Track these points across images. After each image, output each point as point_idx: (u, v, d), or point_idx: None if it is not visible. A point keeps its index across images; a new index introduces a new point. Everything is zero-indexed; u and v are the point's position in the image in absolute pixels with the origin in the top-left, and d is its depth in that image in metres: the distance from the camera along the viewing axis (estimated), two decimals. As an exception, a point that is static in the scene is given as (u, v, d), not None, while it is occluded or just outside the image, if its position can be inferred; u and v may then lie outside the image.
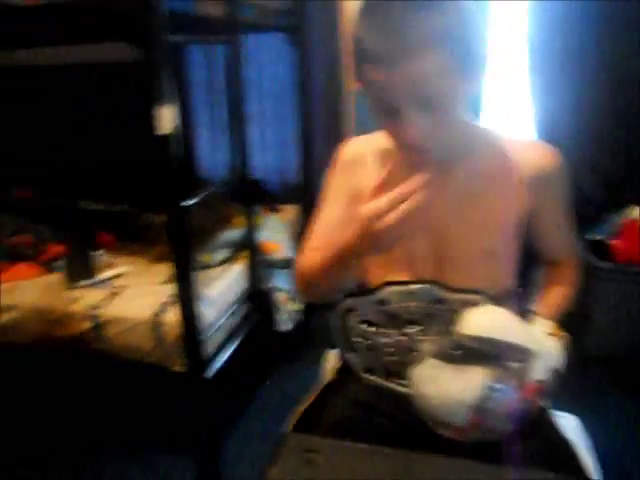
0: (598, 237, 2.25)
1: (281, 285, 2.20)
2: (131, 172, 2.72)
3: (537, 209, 0.97)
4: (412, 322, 0.98)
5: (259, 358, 2.19)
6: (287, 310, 2.21)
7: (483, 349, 0.84)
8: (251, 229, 2.04)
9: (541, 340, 0.90)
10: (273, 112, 2.80)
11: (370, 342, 1.02)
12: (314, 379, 1.25)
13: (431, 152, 0.86)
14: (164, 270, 1.94)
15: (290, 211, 2.67)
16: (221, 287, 1.92)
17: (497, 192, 0.94)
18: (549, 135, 2.39)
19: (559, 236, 1.07)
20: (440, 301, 0.96)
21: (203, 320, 1.69)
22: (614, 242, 2.15)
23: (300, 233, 2.61)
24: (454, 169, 0.95)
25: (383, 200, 0.78)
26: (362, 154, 1.03)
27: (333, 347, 1.21)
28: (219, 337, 1.85)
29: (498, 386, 0.84)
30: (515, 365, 0.86)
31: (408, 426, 0.98)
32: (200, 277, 1.74)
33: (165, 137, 1.41)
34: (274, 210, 2.57)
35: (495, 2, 2.36)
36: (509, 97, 2.52)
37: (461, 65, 0.79)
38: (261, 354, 2.21)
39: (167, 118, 1.40)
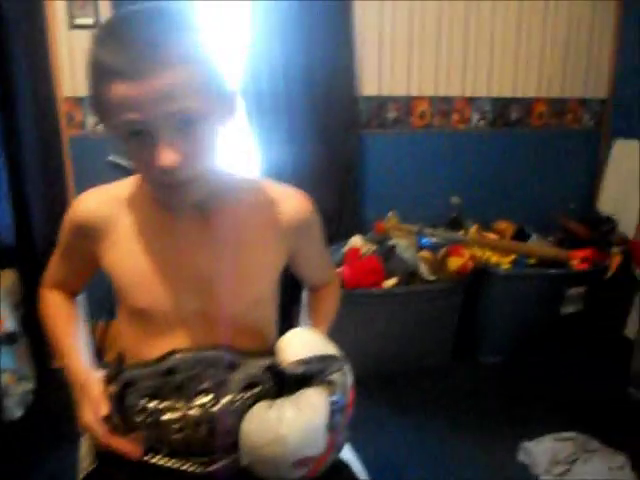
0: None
1: (5, 365, 1.86)
2: None
3: (298, 252, 1.01)
4: (201, 392, 0.89)
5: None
6: (15, 393, 1.87)
7: (309, 370, 0.86)
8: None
9: (335, 349, 0.94)
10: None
11: (153, 419, 0.89)
12: (63, 472, 1.06)
13: (187, 186, 0.80)
14: None
15: (6, 276, 2.29)
16: None
17: (259, 241, 0.93)
18: (273, 176, 2.56)
19: (321, 266, 1.15)
20: (233, 367, 0.90)
21: None
22: (341, 270, 2.39)
23: (21, 301, 2.27)
24: (213, 219, 0.91)
25: (99, 429, 0.89)
26: (99, 216, 0.91)
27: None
28: None
29: (335, 398, 0.87)
30: (338, 376, 0.89)
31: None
32: None
33: None
34: (-15, 277, 2.17)
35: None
36: (233, 144, 2.63)
37: (210, 85, 0.77)
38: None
39: None
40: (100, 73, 0.75)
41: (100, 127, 2.49)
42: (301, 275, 1.13)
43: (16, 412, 1.86)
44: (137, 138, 0.76)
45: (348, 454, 1.19)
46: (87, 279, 1.07)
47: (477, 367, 2.55)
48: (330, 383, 0.89)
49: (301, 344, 0.89)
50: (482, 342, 2.60)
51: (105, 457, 0.95)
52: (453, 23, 2.66)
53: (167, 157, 0.75)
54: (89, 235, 0.92)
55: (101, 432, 0.89)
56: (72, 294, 1.08)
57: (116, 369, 0.92)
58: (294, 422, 0.83)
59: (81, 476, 0.99)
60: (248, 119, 2.55)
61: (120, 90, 0.73)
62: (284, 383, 0.92)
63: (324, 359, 0.89)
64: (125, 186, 0.94)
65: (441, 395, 2.33)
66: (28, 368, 1.99)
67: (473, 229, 2.67)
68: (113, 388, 0.90)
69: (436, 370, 2.48)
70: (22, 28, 2.23)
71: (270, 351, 0.93)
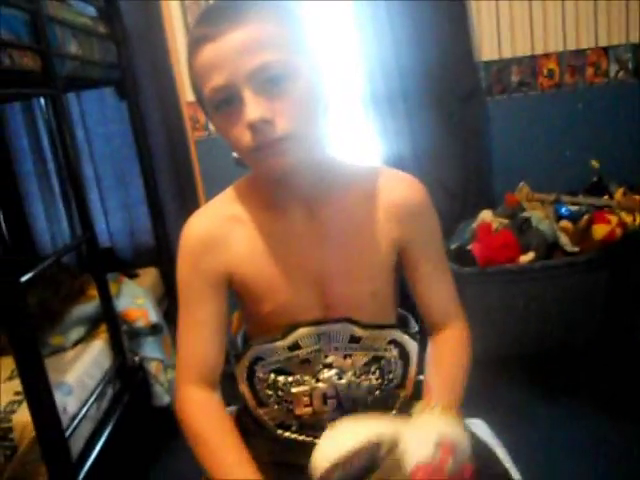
0: (456, 244, 2.35)
1: (152, 354, 1.99)
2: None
3: (409, 246, 0.91)
4: (326, 366, 0.89)
5: (139, 442, 1.93)
6: (163, 381, 1.99)
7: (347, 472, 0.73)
8: (107, 299, 1.82)
9: (412, 421, 0.79)
10: (115, 172, 2.63)
11: (282, 393, 0.90)
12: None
13: (279, 145, 0.77)
14: (6, 364, 1.64)
15: (149, 274, 2.47)
16: (81, 370, 1.67)
17: (371, 233, 0.88)
18: (395, 157, 2.51)
19: (437, 281, 0.95)
20: (355, 339, 0.89)
21: (63, 414, 1.44)
22: (472, 247, 2.25)
23: (162, 296, 2.43)
24: (324, 215, 0.88)
25: None
26: (216, 228, 0.88)
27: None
28: (87, 429, 1.59)
29: None
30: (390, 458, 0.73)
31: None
32: (54, 363, 1.50)
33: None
34: (131, 275, 2.35)
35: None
36: (352, 134, 2.60)
37: (290, 42, 0.77)
38: (140, 436, 1.95)
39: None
40: (189, 48, 0.78)
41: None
42: (416, 295, 0.95)
43: (165, 398, 1.98)
44: (227, 108, 0.76)
45: (488, 434, 1.10)
46: (224, 332, 0.92)
47: (630, 346, 2.27)
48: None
49: (327, 451, 0.74)
50: (636, 318, 2.31)
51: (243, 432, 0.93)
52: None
53: (253, 112, 0.74)
54: (212, 251, 0.88)
55: None
56: (214, 384, 0.91)
57: (244, 346, 0.93)
58: None
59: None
60: (364, 106, 2.51)
61: (204, 55, 0.75)
62: (408, 356, 0.90)
63: (358, 453, 0.72)
64: (229, 199, 0.91)
65: (587, 377, 2.11)
66: (173, 357, 2.12)
67: (619, 192, 2.38)
68: (243, 364, 0.91)
69: (582, 350, 2.24)
70: (144, 39, 2.38)
71: (393, 324, 0.92)
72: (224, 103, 0.76)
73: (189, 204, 2.56)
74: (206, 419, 0.86)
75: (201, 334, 0.89)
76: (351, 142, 2.59)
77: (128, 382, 1.87)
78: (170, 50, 2.46)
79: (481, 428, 1.14)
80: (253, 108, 0.74)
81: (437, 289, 0.95)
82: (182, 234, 0.90)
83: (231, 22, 0.73)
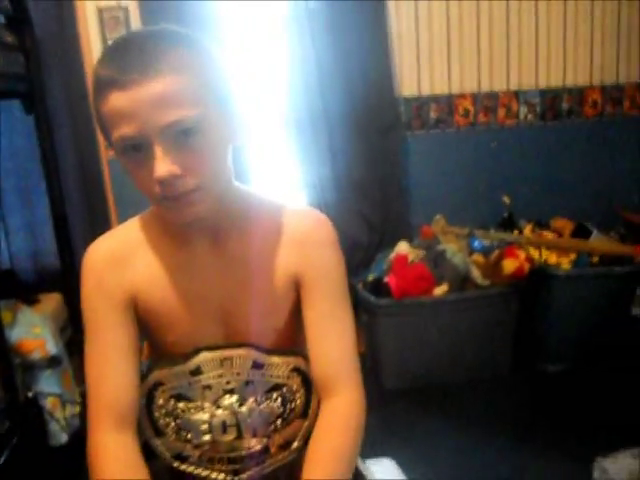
0: (373, 276, 2.36)
1: (49, 389, 1.83)
2: None
3: (303, 279, 0.87)
4: (227, 392, 0.87)
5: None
6: (60, 418, 1.84)
7: None
8: (-1, 328, 1.67)
9: None
10: (20, 189, 2.45)
11: (181, 421, 0.87)
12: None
13: (187, 198, 0.75)
14: None
15: (51, 299, 2.30)
16: (-38, 408, 1.51)
17: (273, 268, 0.86)
18: (316, 186, 2.51)
19: (330, 335, 0.86)
20: (257, 365, 0.87)
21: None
22: (388, 279, 2.27)
23: (66, 324, 2.27)
24: (228, 249, 0.85)
25: None
26: (120, 250, 0.86)
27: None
28: (-34, 474, 1.44)
29: None
30: None
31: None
32: None
33: None
34: (31, 301, 2.18)
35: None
36: (273, 160, 2.59)
37: (206, 96, 0.74)
38: (32, 480, 1.78)
39: None
40: (96, 87, 0.73)
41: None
42: (307, 338, 0.87)
43: (62, 437, 1.83)
44: (135, 154, 0.74)
45: (396, 474, 1.08)
46: (138, 361, 0.85)
47: (539, 377, 2.37)
48: None
49: None
50: (543, 350, 2.42)
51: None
52: (493, 13, 2.54)
53: (163, 168, 0.72)
54: (116, 271, 0.84)
55: None
56: (130, 422, 0.83)
57: (145, 371, 0.89)
58: None
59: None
60: (286, 135, 2.51)
61: (113, 101, 0.71)
62: (311, 385, 0.88)
63: None
64: (135, 227, 0.89)
65: (500, 408, 2.17)
66: (73, 392, 1.97)
67: (527, 228, 2.51)
68: (142, 390, 0.87)
69: (494, 381, 2.32)
70: (57, 51, 2.27)
71: (296, 351, 0.90)
72: (131, 149, 0.73)
73: (99, 226, 2.43)
74: (119, 471, 0.78)
75: (112, 362, 0.82)
76: (272, 170, 2.58)
77: (19, 421, 1.70)
78: (85, 64, 2.36)
79: (388, 467, 1.12)
80: (163, 164, 0.72)
81: (329, 338, 0.86)
82: (85, 256, 0.86)
83: (144, 72, 0.70)
